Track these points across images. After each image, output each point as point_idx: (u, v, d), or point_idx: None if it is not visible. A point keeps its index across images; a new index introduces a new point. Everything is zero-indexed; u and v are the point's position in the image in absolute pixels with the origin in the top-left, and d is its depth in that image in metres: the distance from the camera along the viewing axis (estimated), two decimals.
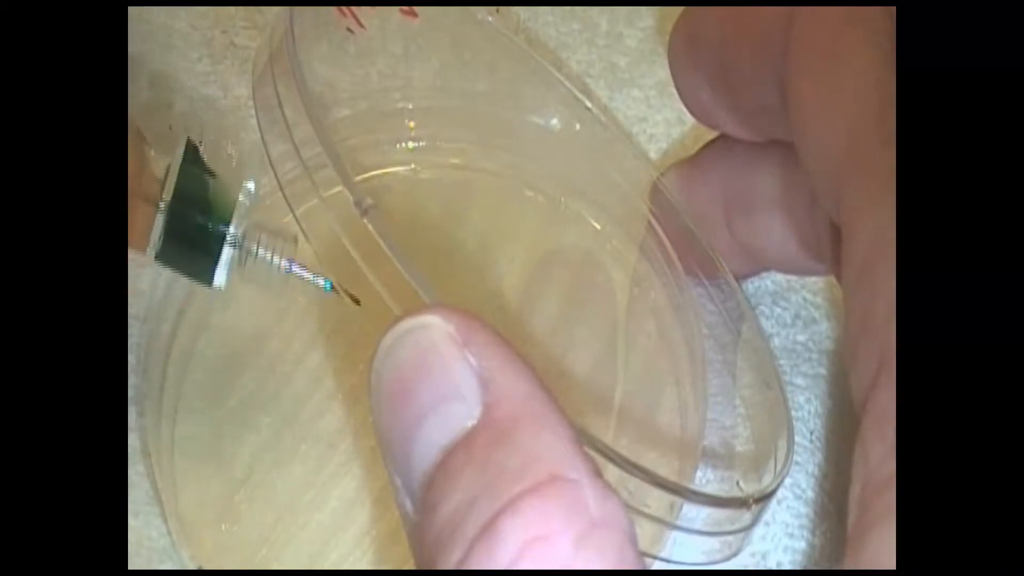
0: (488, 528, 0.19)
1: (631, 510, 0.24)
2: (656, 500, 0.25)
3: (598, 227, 0.37)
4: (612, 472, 0.24)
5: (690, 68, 0.31)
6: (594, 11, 0.40)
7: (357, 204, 0.24)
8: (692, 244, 0.34)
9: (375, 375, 0.21)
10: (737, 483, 0.33)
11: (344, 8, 0.33)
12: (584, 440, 0.22)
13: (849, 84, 0.25)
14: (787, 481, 0.33)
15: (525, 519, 0.18)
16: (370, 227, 0.24)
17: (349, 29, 0.34)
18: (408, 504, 0.21)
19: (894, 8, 0.24)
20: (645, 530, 0.26)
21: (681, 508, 0.26)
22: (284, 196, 0.26)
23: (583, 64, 0.39)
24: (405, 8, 0.35)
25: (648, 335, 0.35)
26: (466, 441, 0.20)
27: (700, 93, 0.31)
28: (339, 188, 0.25)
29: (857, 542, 0.20)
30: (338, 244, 0.25)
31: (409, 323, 0.21)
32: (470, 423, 0.20)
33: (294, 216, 0.26)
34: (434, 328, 0.20)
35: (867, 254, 0.23)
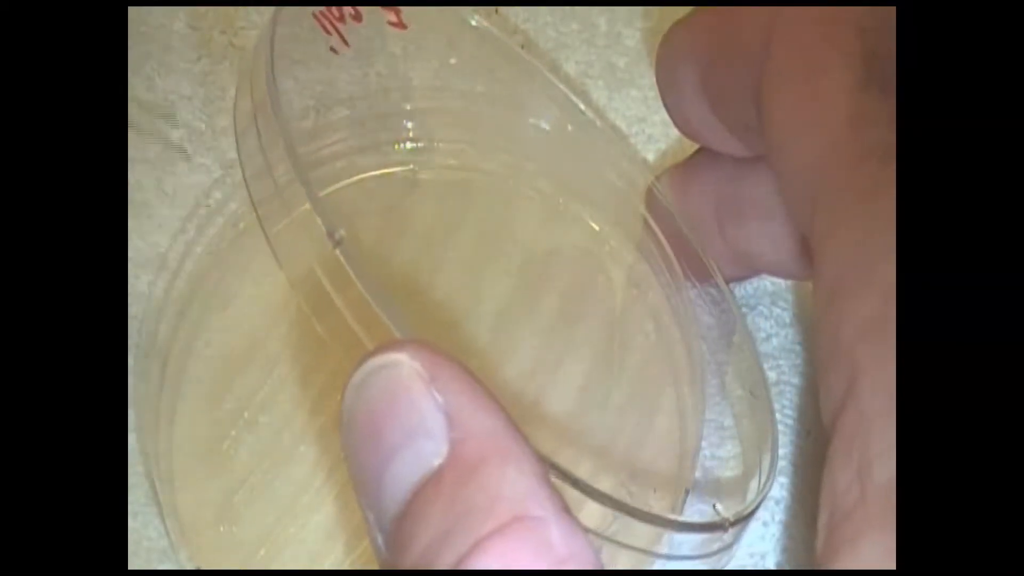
0: (458, 568, 0.19)
1: (614, 544, 0.24)
2: (640, 531, 0.25)
3: (596, 228, 0.37)
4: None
5: (676, 85, 0.31)
6: (593, 11, 0.40)
7: (329, 235, 0.24)
8: (685, 248, 0.34)
9: (345, 413, 0.21)
10: (714, 505, 0.32)
11: (328, 25, 0.33)
12: (563, 476, 0.22)
13: (820, 105, 0.25)
14: (786, 481, 0.33)
15: (492, 559, 0.19)
16: (342, 259, 0.24)
17: (332, 49, 0.33)
18: (380, 539, 0.21)
19: (870, 26, 0.24)
20: (627, 558, 0.26)
21: (664, 536, 0.26)
22: (257, 216, 0.26)
23: (582, 64, 0.39)
24: (394, 20, 0.34)
25: (646, 335, 0.35)
26: (435, 479, 0.20)
27: (686, 111, 0.31)
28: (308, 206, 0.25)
29: (825, 568, 0.20)
30: (313, 270, 0.25)
31: (376, 361, 0.21)
32: (437, 461, 0.20)
33: (266, 238, 0.26)
34: (401, 366, 0.21)
35: (836, 277, 0.23)
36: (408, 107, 0.37)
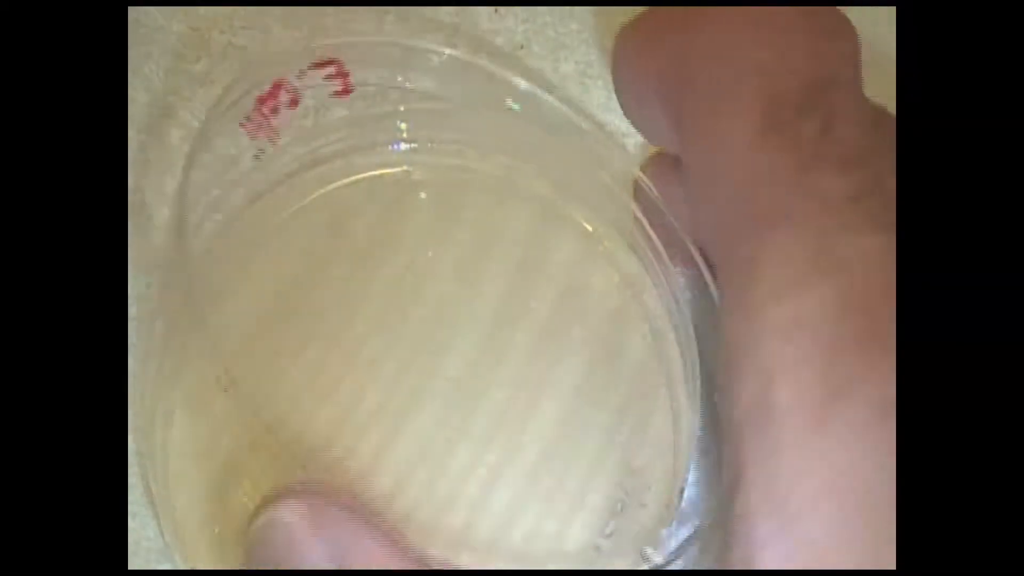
0: None
1: None
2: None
3: (590, 229, 0.37)
4: None
5: (634, 84, 0.30)
6: (593, 11, 0.40)
7: (217, 380, 0.26)
8: (672, 239, 0.34)
9: (248, 566, 0.24)
10: (641, 551, 0.33)
11: (262, 120, 0.33)
12: None
13: (720, 153, 0.25)
14: None
15: None
16: (231, 403, 0.26)
17: (257, 156, 0.34)
18: None
19: (771, 68, 0.25)
20: None
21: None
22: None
23: (581, 64, 0.39)
24: (339, 89, 0.34)
25: (642, 336, 0.35)
26: None
27: (640, 110, 0.31)
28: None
29: None
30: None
31: (265, 519, 0.24)
32: None
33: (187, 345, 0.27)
34: (288, 523, 0.23)
35: (726, 352, 0.24)
36: (402, 108, 0.37)
